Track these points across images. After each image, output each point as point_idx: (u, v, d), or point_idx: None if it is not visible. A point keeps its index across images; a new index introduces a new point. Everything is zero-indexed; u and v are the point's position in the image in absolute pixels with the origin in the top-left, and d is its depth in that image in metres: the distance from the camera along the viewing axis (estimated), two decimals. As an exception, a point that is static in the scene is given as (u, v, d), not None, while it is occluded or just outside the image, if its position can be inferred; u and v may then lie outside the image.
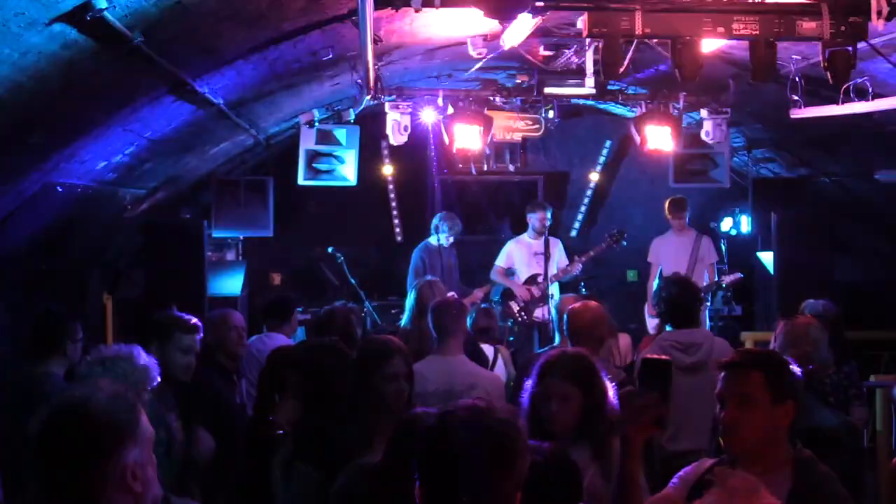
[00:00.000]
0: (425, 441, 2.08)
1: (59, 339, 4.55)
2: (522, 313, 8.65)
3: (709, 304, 8.95)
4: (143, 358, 3.61)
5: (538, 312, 8.52)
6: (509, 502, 2.04)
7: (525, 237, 8.92)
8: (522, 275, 8.77)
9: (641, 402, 2.53)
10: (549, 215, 8.75)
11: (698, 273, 8.83)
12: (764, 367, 2.82)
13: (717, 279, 8.88)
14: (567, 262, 8.82)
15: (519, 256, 8.81)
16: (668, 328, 5.11)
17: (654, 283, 9.08)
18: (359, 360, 3.72)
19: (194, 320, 4.66)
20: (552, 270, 8.33)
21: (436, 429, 2.07)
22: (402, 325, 6.12)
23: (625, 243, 9.00)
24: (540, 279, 8.56)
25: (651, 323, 8.95)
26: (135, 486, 2.01)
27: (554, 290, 8.40)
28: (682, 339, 4.94)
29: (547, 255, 8.25)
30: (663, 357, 2.63)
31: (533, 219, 8.75)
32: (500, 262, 8.91)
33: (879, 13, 3.84)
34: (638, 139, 7.77)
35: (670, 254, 9.03)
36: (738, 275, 8.95)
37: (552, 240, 8.60)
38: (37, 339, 4.60)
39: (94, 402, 2.01)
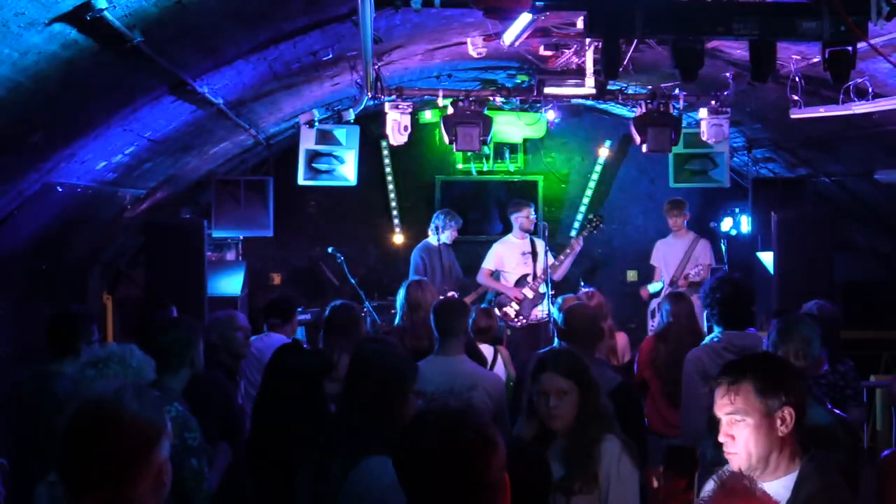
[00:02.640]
0: (400, 441, 2.08)
1: (73, 339, 4.54)
2: (519, 316, 8.59)
3: None
4: (138, 358, 3.59)
5: (534, 314, 8.50)
6: None
7: (511, 238, 8.84)
8: (512, 276, 8.70)
9: (669, 488, 2.48)
10: (532, 212, 8.73)
11: (691, 274, 8.81)
12: (751, 379, 2.72)
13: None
14: (553, 261, 8.80)
15: (508, 258, 8.73)
16: (717, 330, 4.96)
17: (657, 286, 9.09)
18: (356, 361, 3.74)
19: None
20: (539, 269, 8.32)
21: (411, 429, 2.07)
22: (397, 324, 6.14)
23: (603, 226, 8.97)
24: (529, 279, 8.53)
25: (651, 324, 8.93)
26: (165, 479, 2.06)
27: (543, 288, 8.37)
28: (736, 342, 4.81)
29: (534, 254, 8.22)
30: (688, 445, 2.57)
31: (520, 217, 8.68)
32: (489, 264, 8.81)
33: (879, 13, 3.84)
34: (638, 139, 7.77)
35: (669, 256, 9.03)
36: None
37: (536, 240, 8.58)
38: (52, 339, 4.59)
39: (128, 403, 2.01)
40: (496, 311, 8.56)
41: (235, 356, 5.24)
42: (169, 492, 3.44)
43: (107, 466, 1.96)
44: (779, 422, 2.68)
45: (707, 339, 5.02)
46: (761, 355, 3.00)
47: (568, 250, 8.77)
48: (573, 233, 10.80)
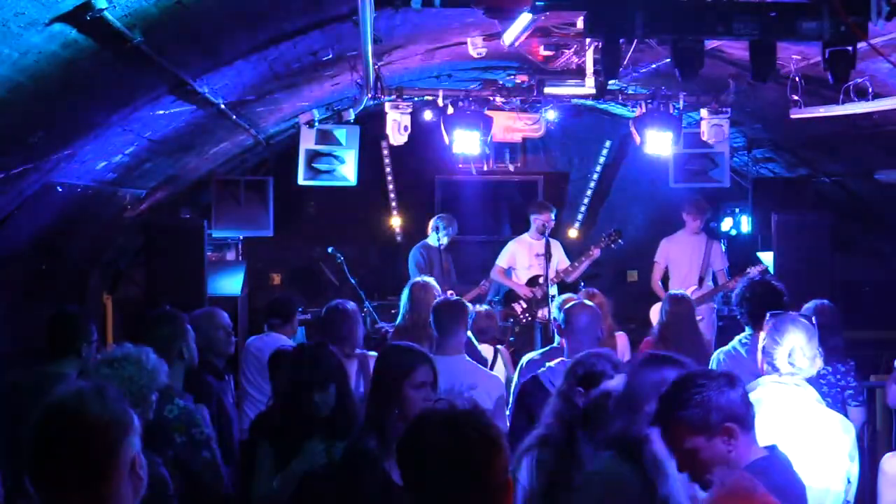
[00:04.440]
0: (405, 439, 2.07)
1: (73, 339, 4.52)
2: (526, 314, 8.61)
3: (715, 306, 8.92)
4: (153, 361, 3.58)
5: (540, 313, 8.51)
6: None
7: (526, 237, 8.88)
8: (523, 276, 8.73)
9: None
10: (553, 216, 8.74)
11: (709, 277, 8.84)
12: (676, 421, 2.74)
13: (728, 280, 8.68)
14: (567, 264, 8.81)
15: (521, 257, 8.78)
16: (748, 330, 4.95)
17: (660, 282, 9.09)
18: (384, 368, 3.69)
19: None
20: (552, 272, 8.33)
21: (415, 428, 2.07)
22: (397, 323, 6.13)
23: (622, 242, 8.95)
24: (541, 280, 8.54)
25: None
26: (140, 473, 2.05)
27: (553, 290, 8.39)
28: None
29: (548, 257, 8.22)
30: None
31: (539, 220, 8.70)
32: (502, 262, 8.87)
33: (879, 13, 3.84)
34: (638, 139, 7.78)
35: (683, 255, 8.99)
36: (762, 266, 8.76)
37: (552, 241, 8.58)
38: (52, 340, 4.57)
39: (90, 404, 2.01)
40: (503, 305, 8.62)
41: (219, 355, 5.16)
42: (186, 487, 3.47)
43: (75, 469, 1.97)
44: (723, 440, 2.69)
45: (736, 339, 5.01)
46: (674, 388, 2.81)
47: (583, 258, 8.76)
48: (573, 233, 10.81)
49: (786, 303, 4.99)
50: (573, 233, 10.85)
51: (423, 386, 3.57)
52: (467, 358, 5.02)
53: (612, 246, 8.91)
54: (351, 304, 5.54)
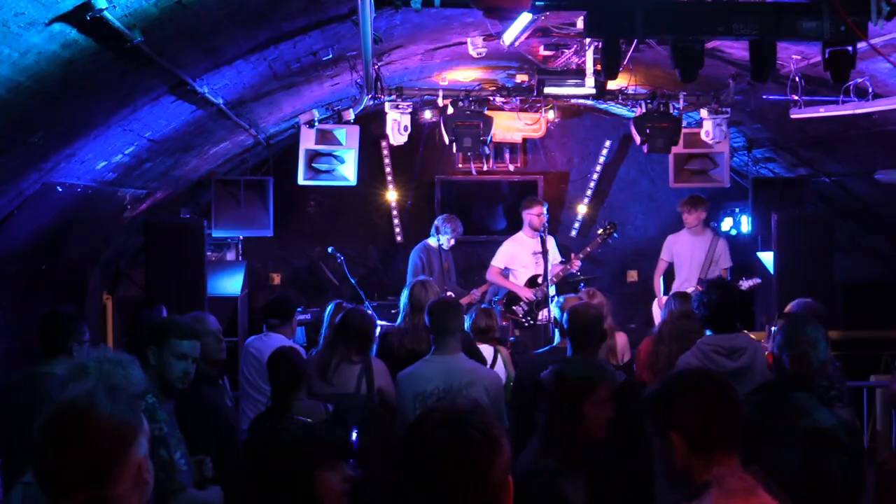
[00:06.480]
0: (405, 439, 2.07)
1: (65, 339, 4.51)
2: (528, 317, 8.52)
3: None
4: (132, 371, 3.43)
5: (542, 315, 8.46)
6: None
7: (522, 236, 8.81)
8: (522, 276, 8.68)
9: None
10: (545, 210, 8.70)
11: (712, 276, 8.81)
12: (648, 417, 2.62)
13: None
14: (561, 260, 8.77)
15: (519, 257, 8.72)
16: (707, 333, 4.98)
17: (661, 280, 9.09)
18: (565, 386, 3.55)
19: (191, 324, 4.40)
20: (550, 271, 8.29)
21: (415, 427, 2.07)
22: (398, 324, 6.12)
23: (616, 235, 8.92)
24: (540, 280, 8.50)
25: (659, 320, 8.89)
26: (147, 477, 2.05)
27: (551, 290, 8.35)
28: (724, 343, 4.83)
29: (545, 254, 8.19)
30: None
31: (530, 214, 8.66)
32: (498, 262, 8.78)
33: (879, 13, 3.84)
34: (638, 139, 7.78)
35: (685, 252, 8.97)
36: (757, 280, 8.79)
37: (547, 238, 8.55)
38: (43, 340, 4.56)
39: (101, 404, 2.01)
40: (504, 308, 8.57)
41: (212, 362, 4.87)
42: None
43: (82, 467, 1.97)
44: (669, 448, 2.51)
45: (698, 342, 5.02)
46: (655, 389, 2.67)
47: (567, 266, 8.72)
48: (573, 233, 10.80)
49: (752, 311, 5.02)
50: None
51: (605, 402, 3.47)
52: (464, 356, 5.01)
53: (609, 241, 8.88)
54: (369, 313, 5.50)
